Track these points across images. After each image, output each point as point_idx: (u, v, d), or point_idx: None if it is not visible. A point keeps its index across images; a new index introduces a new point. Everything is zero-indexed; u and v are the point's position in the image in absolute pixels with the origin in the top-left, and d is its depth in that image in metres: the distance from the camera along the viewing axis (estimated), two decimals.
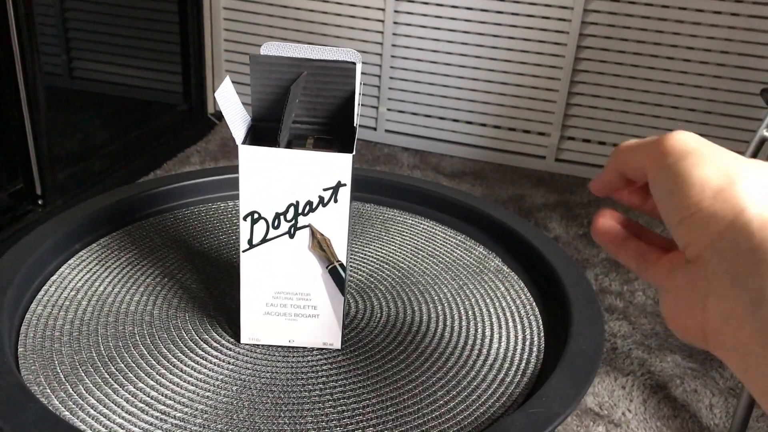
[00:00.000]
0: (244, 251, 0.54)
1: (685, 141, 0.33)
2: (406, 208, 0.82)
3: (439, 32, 2.18)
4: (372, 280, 0.69)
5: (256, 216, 0.53)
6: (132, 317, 0.61)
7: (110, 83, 2.32)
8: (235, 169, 0.82)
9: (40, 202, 1.74)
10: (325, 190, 0.52)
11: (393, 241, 0.76)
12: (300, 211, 0.53)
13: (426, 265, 0.72)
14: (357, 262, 0.71)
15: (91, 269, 0.67)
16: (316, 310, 0.57)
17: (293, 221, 0.53)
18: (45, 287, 0.63)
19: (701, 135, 0.34)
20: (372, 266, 0.71)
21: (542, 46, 2.11)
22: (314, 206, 0.53)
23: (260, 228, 0.54)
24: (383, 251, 0.74)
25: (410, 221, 0.80)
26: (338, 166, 0.52)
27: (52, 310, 0.61)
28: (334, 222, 0.54)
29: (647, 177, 0.34)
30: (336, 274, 0.55)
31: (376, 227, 0.78)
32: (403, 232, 0.78)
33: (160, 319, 0.61)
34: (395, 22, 2.20)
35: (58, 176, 1.78)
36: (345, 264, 0.55)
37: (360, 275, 0.69)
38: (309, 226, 0.54)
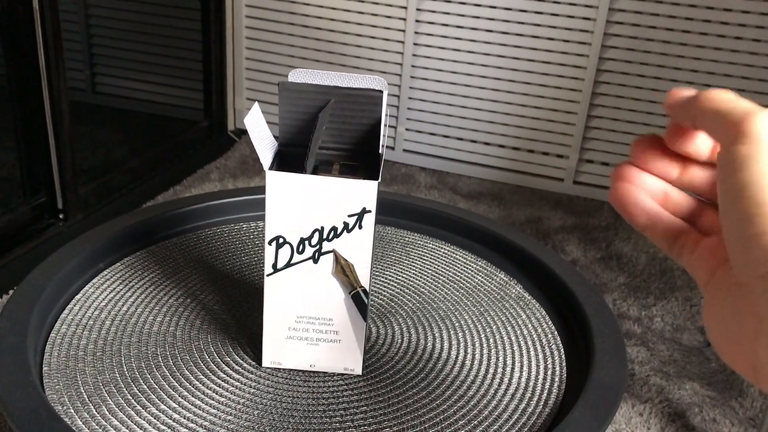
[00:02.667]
0: (268, 275, 0.55)
1: None
2: (427, 231, 0.82)
3: (458, 54, 2.18)
4: (392, 304, 0.69)
5: (281, 241, 0.53)
6: (155, 338, 0.61)
7: (132, 99, 2.35)
8: (257, 190, 0.83)
9: (61, 216, 1.75)
10: (350, 216, 0.53)
11: (413, 266, 0.76)
12: (325, 236, 0.53)
13: (447, 290, 0.72)
14: (377, 286, 0.71)
15: (114, 289, 0.67)
16: (338, 336, 0.57)
17: (318, 246, 0.54)
18: (69, 306, 0.64)
19: None
20: (392, 291, 0.71)
21: (562, 69, 2.11)
22: (339, 232, 0.53)
23: (285, 252, 0.54)
24: (404, 275, 0.74)
25: (431, 245, 0.80)
26: (364, 192, 0.52)
27: (76, 329, 0.61)
28: (358, 248, 0.54)
29: (718, 149, 0.28)
30: (359, 300, 0.55)
31: (396, 251, 0.78)
32: (424, 256, 0.78)
33: (182, 340, 0.61)
34: (415, 44, 2.21)
35: (80, 191, 1.79)
36: (368, 290, 0.55)
37: (381, 300, 0.69)
38: (333, 251, 0.54)
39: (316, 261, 0.54)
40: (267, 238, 0.53)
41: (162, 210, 0.77)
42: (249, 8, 2.34)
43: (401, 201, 0.83)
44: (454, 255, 0.78)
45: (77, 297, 0.65)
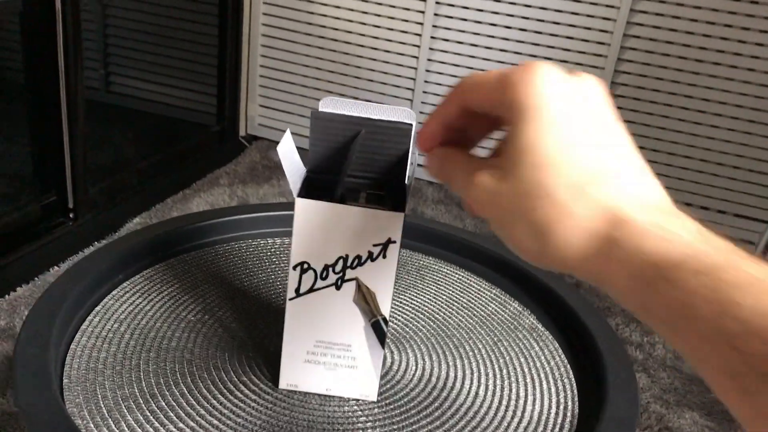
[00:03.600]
0: (290, 299, 0.55)
1: (529, 94, 0.34)
2: (440, 255, 0.83)
3: (471, 71, 2.20)
4: (407, 330, 0.69)
5: (305, 266, 0.54)
6: (173, 354, 0.62)
7: (146, 100, 2.36)
8: (276, 206, 0.84)
9: (71, 215, 1.76)
10: (375, 245, 0.53)
11: (428, 290, 0.76)
12: (348, 264, 0.54)
13: (460, 317, 0.72)
14: (393, 310, 0.72)
15: (133, 302, 0.68)
16: (355, 362, 0.57)
17: (341, 273, 0.54)
18: (89, 318, 0.65)
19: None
20: (407, 315, 0.72)
21: None
22: (363, 260, 0.54)
23: (308, 278, 0.55)
24: (418, 300, 0.74)
25: (445, 270, 0.81)
26: (390, 223, 0.53)
27: (96, 341, 0.62)
28: (381, 277, 0.54)
29: (498, 112, 0.36)
30: (378, 328, 0.56)
31: (411, 274, 0.79)
32: (438, 281, 0.78)
33: (200, 357, 0.62)
34: (429, 60, 2.23)
35: (90, 191, 1.80)
36: (387, 318, 0.56)
37: (395, 324, 0.70)
38: (356, 279, 0.55)
39: (338, 287, 0.55)
40: (292, 263, 0.54)
41: (181, 223, 0.78)
42: (266, 16, 2.36)
43: (416, 223, 0.84)
44: (468, 281, 0.79)
45: (97, 309, 0.66)
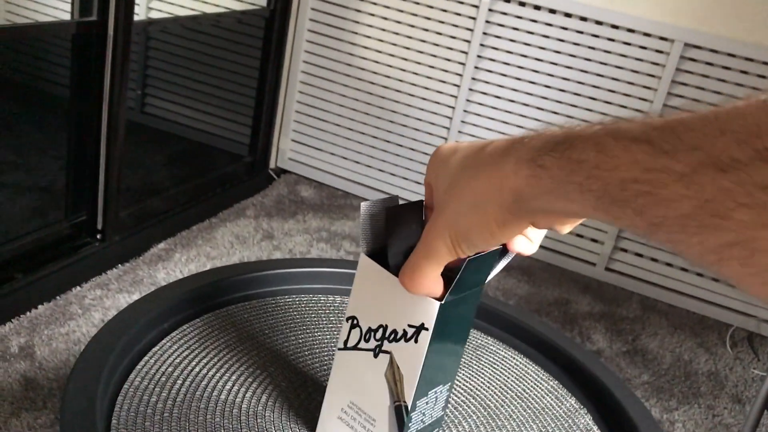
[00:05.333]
0: (339, 349, 0.56)
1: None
2: (501, 337, 0.81)
3: (506, 126, 2.21)
4: (456, 414, 0.68)
5: (354, 322, 0.54)
6: (222, 407, 0.61)
7: (180, 124, 2.39)
8: (343, 263, 0.84)
9: (98, 236, 1.77)
10: (409, 326, 0.52)
11: (483, 373, 0.74)
12: (386, 335, 0.53)
13: (513, 408, 0.70)
14: None
15: (190, 346, 0.68)
16: None
17: (380, 342, 0.54)
18: (145, 358, 0.65)
19: None
20: (458, 398, 0.70)
21: None
22: (398, 337, 0.53)
23: (355, 335, 0.55)
24: (472, 382, 0.73)
25: (503, 353, 0.79)
26: (425, 308, 0.51)
27: (148, 384, 0.62)
28: (409, 362, 0.53)
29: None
30: (399, 414, 0.54)
31: (468, 353, 0.77)
32: (495, 364, 0.76)
33: (246, 414, 0.61)
34: (465, 111, 2.26)
35: (121, 213, 1.81)
36: (410, 407, 0.54)
37: (448, 405, 0.68)
38: (390, 353, 0.54)
39: (375, 355, 0.54)
40: (347, 314, 0.54)
41: (245, 270, 0.79)
42: (307, 54, 2.42)
43: (482, 302, 0.82)
44: (526, 369, 0.77)
45: (154, 349, 0.67)
